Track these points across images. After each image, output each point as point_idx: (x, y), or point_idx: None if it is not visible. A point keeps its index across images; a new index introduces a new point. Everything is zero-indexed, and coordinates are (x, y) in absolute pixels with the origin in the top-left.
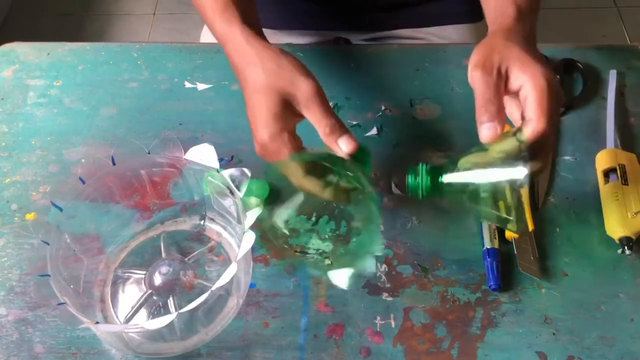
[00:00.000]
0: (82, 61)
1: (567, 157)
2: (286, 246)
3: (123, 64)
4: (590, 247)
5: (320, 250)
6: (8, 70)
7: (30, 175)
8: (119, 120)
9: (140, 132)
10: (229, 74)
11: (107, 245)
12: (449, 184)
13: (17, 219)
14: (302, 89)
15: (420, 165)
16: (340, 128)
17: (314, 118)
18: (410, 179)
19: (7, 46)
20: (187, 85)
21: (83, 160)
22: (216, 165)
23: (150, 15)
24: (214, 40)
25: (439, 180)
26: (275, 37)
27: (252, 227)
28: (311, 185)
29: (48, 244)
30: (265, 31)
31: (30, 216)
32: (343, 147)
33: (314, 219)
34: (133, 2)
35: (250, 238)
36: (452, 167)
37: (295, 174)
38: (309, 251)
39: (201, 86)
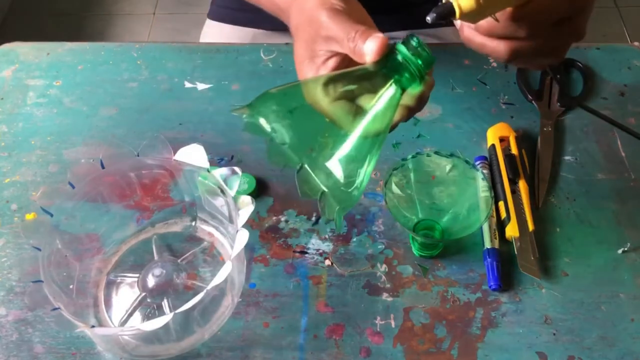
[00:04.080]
0: (82, 61)
1: (567, 157)
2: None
3: (123, 64)
4: (591, 247)
5: (321, 251)
6: (8, 70)
7: (30, 175)
8: (119, 120)
9: (140, 132)
10: (228, 74)
11: (104, 247)
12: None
13: (17, 219)
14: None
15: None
16: (362, 35)
17: (337, 46)
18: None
19: (7, 46)
20: (187, 85)
21: (83, 161)
22: (206, 165)
23: (150, 15)
24: (213, 40)
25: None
26: (276, 37)
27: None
28: (339, 110)
29: (40, 249)
30: (266, 32)
31: (30, 216)
32: (368, 53)
33: (314, 219)
34: (133, 2)
35: (243, 236)
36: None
37: (321, 98)
38: (309, 251)
39: (201, 86)
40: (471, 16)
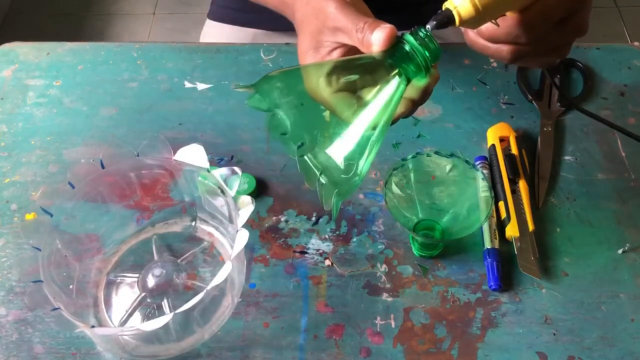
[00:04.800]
0: (81, 61)
1: (567, 157)
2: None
3: (123, 64)
4: (591, 247)
5: (321, 251)
6: (8, 70)
7: (30, 175)
8: (119, 120)
9: (139, 132)
10: (228, 74)
11: (104, 247)
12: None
13: (17, 219)
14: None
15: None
16: (371, 26)
17: (345, 38)
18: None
19: (7, 46)
20: (187, 85)
21: (83, 161)
22: (206, 165)
23: (150, 15)
24: (214, 40)
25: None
26: (276, 37)
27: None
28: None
29: (39, 249)
30: (266, 32)
31: (30, 216)
32: (376, 43)
33: (314, 219)
34: (133, 2)
35: (243, 236)
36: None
37: (322, 87)
38: (309, 251)
39: (201, 86)
40: (471, 23)
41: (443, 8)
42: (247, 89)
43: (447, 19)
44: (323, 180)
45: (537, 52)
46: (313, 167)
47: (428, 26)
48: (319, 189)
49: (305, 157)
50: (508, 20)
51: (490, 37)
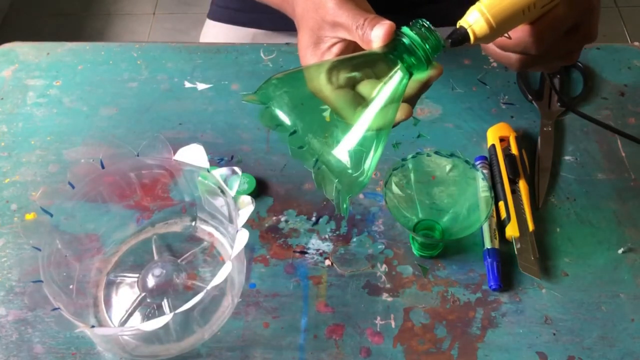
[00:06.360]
0: (81, 61)
1: (567, 157)
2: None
3: (123, 64)
4: (591, 247)
5: (321, 251)
6: (7, 70)
7: (30, 175)
8: (119, 120)
9: (139, 132)
10: (228, 74)
11: (104, 247)
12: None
13: (17, 219)
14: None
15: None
16: (371, 22)
17: (345, 34)
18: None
19: (7, 46)
20: (187, 85)
21: (83, 161)
22: (206, 165)
23: (150, 15)
24: (214, 40)
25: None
26: (276, 37)
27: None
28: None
29: (40, 249)
30: (266, 32)
31: (30, 216)
32: (375, 40)
33: (314, 219)
34: (133, 2)
35: (243, 236)
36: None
37: (322, 82)
38: (309, 251)
39: (201, 86)
40: (485, 39)
41: (457, 26)
42: (252, 98)
43: (462, 37)
44: (321, 167)
45: (546, 60)
46: (311, 156)
47: (443, 43)
48: (322, 182)
49: (310, 154)
50: (519, 32)
51: (501, 46)
